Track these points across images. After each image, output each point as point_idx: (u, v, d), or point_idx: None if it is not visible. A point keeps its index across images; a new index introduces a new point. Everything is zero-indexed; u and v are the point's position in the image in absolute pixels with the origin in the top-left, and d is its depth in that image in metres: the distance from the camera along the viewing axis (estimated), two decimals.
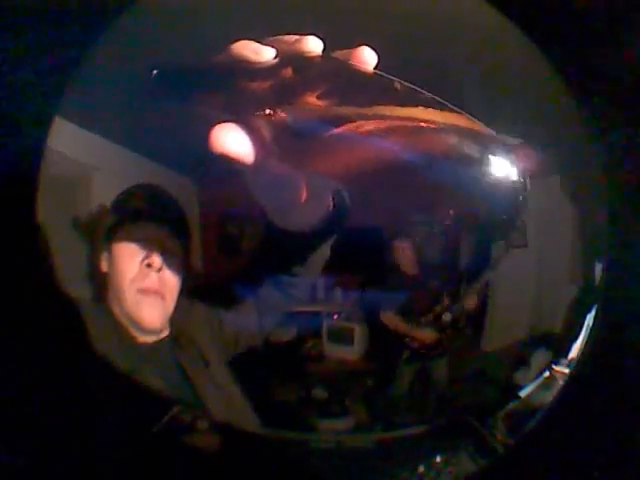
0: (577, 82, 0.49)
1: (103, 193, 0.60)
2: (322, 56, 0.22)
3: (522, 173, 0.20)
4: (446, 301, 1.01)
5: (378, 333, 0.92)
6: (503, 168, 0.20)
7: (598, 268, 0.56)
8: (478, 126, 0.20)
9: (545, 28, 0.49)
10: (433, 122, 0.18)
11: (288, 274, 0.48)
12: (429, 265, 1.06)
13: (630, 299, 0.52)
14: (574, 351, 0.56)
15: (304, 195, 0.27)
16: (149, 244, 0.54)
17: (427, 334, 0.96)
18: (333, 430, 0.66)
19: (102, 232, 0.55)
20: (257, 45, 0.23)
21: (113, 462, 0.48)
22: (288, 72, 0.21)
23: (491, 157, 0.19)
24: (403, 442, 0.58)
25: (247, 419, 0.58)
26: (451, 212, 0.18)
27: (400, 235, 1.02)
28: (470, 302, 0.99)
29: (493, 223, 0.18)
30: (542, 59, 0.50)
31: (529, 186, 0.20)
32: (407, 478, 0.53)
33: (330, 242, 0.45)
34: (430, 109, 0.19)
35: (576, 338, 0.55)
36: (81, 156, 0.60)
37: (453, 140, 0.18)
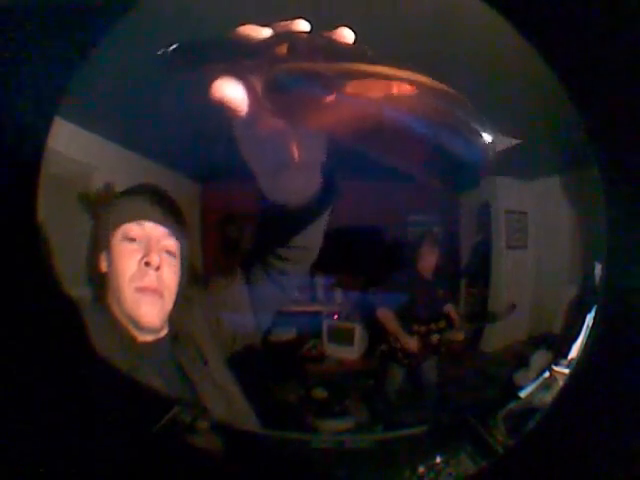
0: (577, 83, 0.49)
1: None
2: (310, 32, 0.27)
3: (489, 131, 0.22)
4: (442, 323, 1.02)
5: (372, 328, 0.92)
6: (471, 124, 0.22)
7: (598, 268, 0.56)
8: (443, 86, 0.22)
9: (544, 31, 0.49)
10: (416, 82, 0.21)
11: (284, 247, 0.48)
12: (442, 273, 1.06)
13: (630, 299, 0.51)
14: (574, 351, 0.55)
15: (294, 154, 0.30)
16: (148, 243, 0.54)
17: (412, 342, 0.97)
18: (333, 430, 0.66)
19: (105, 217, 0.55)
20: (257, 26, 0.28)
21: (113, 462, 0.48)
22: (282, 49, 0.24)
23: (461, 114, 0.21)
24: (403, 442, 0.58)
25: (247, 419, 0.58)
26: (423, 159, 0.20)
27: (428, 241, 1.02)
28: (459, 336, 1.00)
29: (462, 175, 0.19)
30: (541, 61, 0.50)
31: (497, 145, 0.21)
32: (407, 478, 0.53)
33: (325, 217, 0.45)
34: (405, 70, 0.21)
35: (576, 338, 0.55)
36: (81, 156, 0.60)
37: (427, 99, 0.21)
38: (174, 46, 0.31)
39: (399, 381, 0.94)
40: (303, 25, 0.28)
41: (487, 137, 0.21)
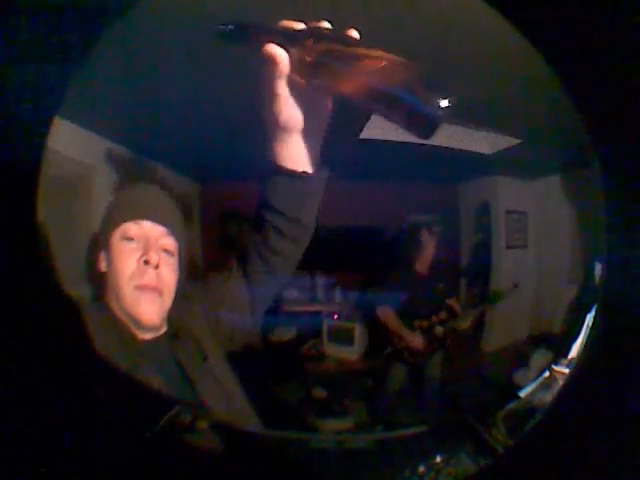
0: (577, 84, 0.49)
1: (103, 192, 0.60)
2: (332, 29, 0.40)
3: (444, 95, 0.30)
4: (443, 315, 1.02)
5: (373, 328, 0.92)
6: (431, 90, 0.31)
7: (598, 268, 0.56)
8: (413, 63, 0.32)
9: (546, 32, 0.49)
10: (396, 60, 0.33)
11: (281, 215, 0.50)
12: (440, 268, 1.06)
13: (630, 299, 0.51)
14: (574, 351, 0.55)
15: (308, 118, 0.41)
16: (146, 242, 0.55)
17: (416, 339, 0.97)
18: (333, 430, 0.66)
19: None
20: (295, 21, 0.40)
21: (113, 462, 0.48)
22: (310, 42, 0.37)
23: (423, 81, 0.32)
24: (403, 442, 0.58)
25: (247, 418, 0.58)
26: (400, 111, 0.31)
27: (425, 238, 1.02)
28: (464, 324, 1.00)
29: (423, 126, 0.31)
30: (542, 62, 0.50)
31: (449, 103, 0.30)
32: (407, 478, 0.53)
33: (319, 194, 0.49)
34: (388, 53, 0.33)
35: (576, 338, 0.55)
36: (81, 156, 0.60)
37: (402, 71, 0.33)
38: (230, 26, 0.42)
39: (400, 381, 0.94)
40: (326, 24, 0.40)
41: (443, 101, 0.30)
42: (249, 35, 0.41)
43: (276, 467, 0.53)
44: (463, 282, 0.94)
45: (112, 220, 0.55)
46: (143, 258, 0.54)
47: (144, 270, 0.53)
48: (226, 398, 0.57)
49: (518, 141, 0.86)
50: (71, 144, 0.56)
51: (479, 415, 0.57)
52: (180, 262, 0.58)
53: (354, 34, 0.38)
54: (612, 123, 0.50)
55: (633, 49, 0.48)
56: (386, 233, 0.91)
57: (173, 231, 0.57)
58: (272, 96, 0.40)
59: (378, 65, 0.33)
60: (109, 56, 0.52)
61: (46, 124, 0.49)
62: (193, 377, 0.56)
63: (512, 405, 0.58)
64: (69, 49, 0.50)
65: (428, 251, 1.02)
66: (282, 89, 0.39)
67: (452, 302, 1.02)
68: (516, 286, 0.92)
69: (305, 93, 0.40)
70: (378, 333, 0.87)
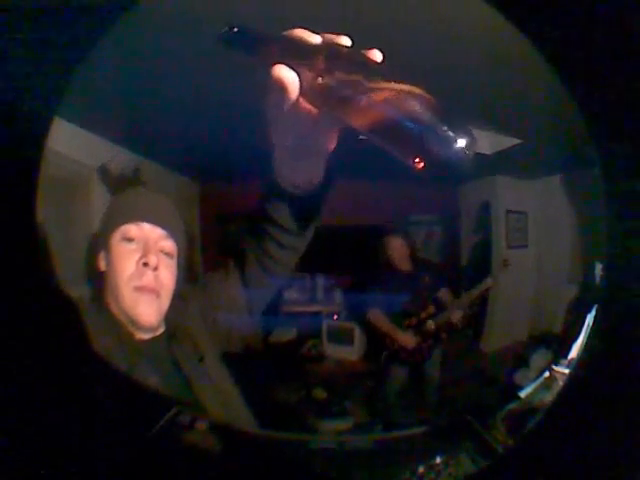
0: (579, 84, 0.49)
1: (102, 193, 0.60)
2: (350, 48, 0.34)
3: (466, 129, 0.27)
4: (431, 309, 1.01)
5: (367, 330, 0.91)
6: (449, 124, 0.27)
7: (598, 268, 0.56)
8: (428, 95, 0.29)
9: (547, 32, 0.49)
10: (410, 92, 0.29)
11: (283, 230, 0.49)
12: (423, 262, 1.06)
13: (630, 299, 0.51)
14: (574, 351, 0.55)
15: (316, 140, 0.37)
16: (146, 243, 0.55)
17: (408, 338, 0.97)
18: (333, 430, 0.66)
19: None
20: (309, 32, 0.34)
21: (113, 462, 0.48)
22: (323, 59, 0.32)
23: (443, 119, 0.28)
24: (403, 442, 0.58)
25: (244, 418, 0.58)
26: (419, 162, 0.27)
27: (393, 231, 1.02)
28: (456, 316, 0.99)
29: (444, 165, 0.27)
30: (544, 62, 0.50)
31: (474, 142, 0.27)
32: (407, 478, 0.53)
33: (322, 210, 0.47)
34: (404, 83, 0.29)
35: (576, 338, 0.55)
36: (81, 156, 0.60)
37: (420, 105, 0.29)
38: (235, 29, 0.37)
39: (400, 381, 0.94)
40: (345, 40, 0.34)
41: (460, 141, 0.26)
42: (255, 43, 0.37)
43: (276, 468, 0.53)
44: (452, 274, 0.93)
45: (113, 221, 0.55)
46: (142, 260, 0.54)
47: (143, 271, 0.53)
48: (222, 398, 0.57)
49: (518, 141, 0.85)
50: (71, 144, 0.56)
51: (479, 415, 0.57)
52: (178, 264, 0.58)
53: (376, 55, 0.34)
54: (612, 123, 0.50)
55: (633, 49, 0.48)
56: (357, 236, 0.91)
57: (172, 234, 0.57)
58: (277, 118, 0.36)
59: (392, 95, 0.30)
60: (109, 56, 0.52)
61: (46, 124, 0.49)
62: (189, 377, 0.56)
63: (512, 405, 0.58)
64: (69, 49, 0.50)
65: (401, 248, 1.01)
66: (288, 113, 0.35)
67: (441, 294, 1.01)
68: (507, 265, 0.91)
69: (313, 117, 0.36)
70: (373, 336, 0.86)
